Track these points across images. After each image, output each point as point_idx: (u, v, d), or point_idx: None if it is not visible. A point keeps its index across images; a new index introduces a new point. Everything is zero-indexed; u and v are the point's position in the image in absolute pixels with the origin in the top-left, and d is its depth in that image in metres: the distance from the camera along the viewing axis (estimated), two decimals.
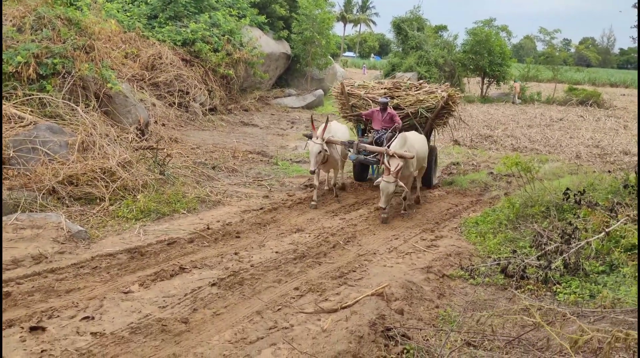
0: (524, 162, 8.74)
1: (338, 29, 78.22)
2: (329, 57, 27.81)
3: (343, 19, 78.64)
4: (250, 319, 4.77)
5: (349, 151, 9.28)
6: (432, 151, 10.55)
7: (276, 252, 6.63)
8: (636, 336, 3.45)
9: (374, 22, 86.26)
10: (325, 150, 8.81)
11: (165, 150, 10.81)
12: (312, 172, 8.76)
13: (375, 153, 9.13)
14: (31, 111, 9.48)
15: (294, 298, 5.27)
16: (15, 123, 8.87)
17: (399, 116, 9.83)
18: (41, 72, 9.99)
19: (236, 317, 4.81)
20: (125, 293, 5.19)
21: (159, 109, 14.47)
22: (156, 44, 16.69)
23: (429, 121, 10.24)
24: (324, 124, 9.06)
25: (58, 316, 4.63)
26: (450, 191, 11.07)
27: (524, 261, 6.04)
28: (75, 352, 4.05)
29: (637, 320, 4.27)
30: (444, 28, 36.30)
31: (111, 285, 5.39)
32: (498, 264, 6.24)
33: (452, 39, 33.81)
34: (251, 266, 6.11)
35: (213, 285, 5.48)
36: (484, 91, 32.96)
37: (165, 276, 5.66)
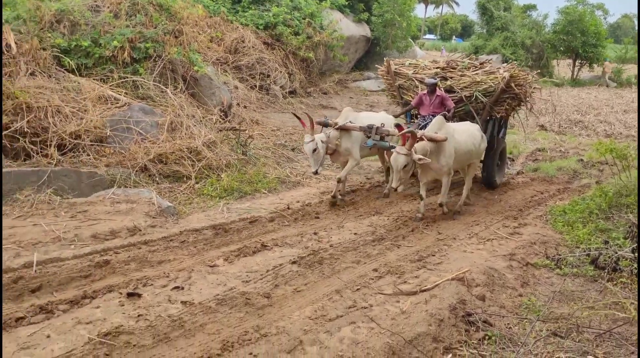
0: (619, 148, 8.20)
1: (419, 10, 76.49)
2: (409, 39, 27.29)
3: (424, 0, 76.73)
4: (329, 297, 4.85)
5: (368, 136, 7.86)
6: (494, 145, 9.15)
7: (355, 233, 6.67)
8: None
9: (456, 3, 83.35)
10: (319, 148, 7.52)
11: (247, 131, 11.12)
12: (315, 173, 7.67)
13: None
14: (125, 93, 10.05)
15: (372, 279, 5.30)
16: (112, 104, 9.44)
17: (452, 100, 8.53)
18: (135, 56, 10.55)
19: (316, 294, 4.92)
20: (211, 266, 5.43)
21: (241, 91, 14.85)
22: (239, 27, 17.08)
23: (486, 107, 8.62)
24: (309, 120, 7.57)
25: (152, 284, 4.93)
26: (535, 178, 10.62)
27: (616, 253, 5.72)
28: (168, 318, 4.31)
29: None
30: (532, 7, 34.56)
31: (198, 259, 5.66)
32: (588, 255, 5.94)
33: (542, 18, 32.19)
34: (330, 246, 6.20)
35: (293, 262, 5.61)
36: (575, 74, 31.14)
37: (248, 252, 5.87)
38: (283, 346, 3.96)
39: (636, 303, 4.38)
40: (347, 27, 22.43)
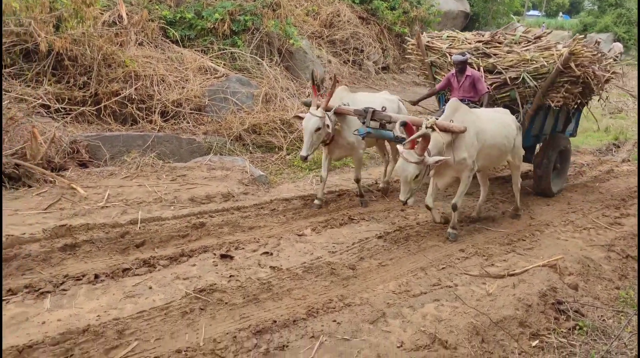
0: None
1: None
2: (511, 15, 25.96)
3: None
4: (414, 274, 4.86)
5: (363, 123, 6.18)
6: (553, 143, 7.54)
7: (442, 213, 6.59)
8: None
9: None
10: (327, 126, 5.99)
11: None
12: (304, 159, 5.99)
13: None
14: (224, 64, 10.44)
15: (459, 259, 5.24)
16: (211, 75, 9.85)
17: (494, 84, 6.90)
18: (234, 29, 10.88)
19: (400, 269, 4.94)
20: (299, 235, 5.60)
21: (334, 66, 14.89)
22: (335, 1, 17.04)
23: (537, 93, 6.79)
24: (331, 88, 6.20)
25: (243, 248, 5.18)
26: None
27: None
28: (257, 280, 4.53)
29: None
30: None
31: (287, 227, 5.85)
32: None
33: None
34: (417, 223, 6.17)
35: (379, 237, 5.66)
36: None
37: (335, 224, 5.98)
38: (366, 316, 4.04)
39: None
40: (446, 2, 21.71)
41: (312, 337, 3.73)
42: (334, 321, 3.96)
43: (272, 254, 5.11)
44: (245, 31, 11.08)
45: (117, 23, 9.57)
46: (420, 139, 4.92)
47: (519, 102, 6.92)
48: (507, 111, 6.51)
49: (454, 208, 5.80)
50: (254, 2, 11.18)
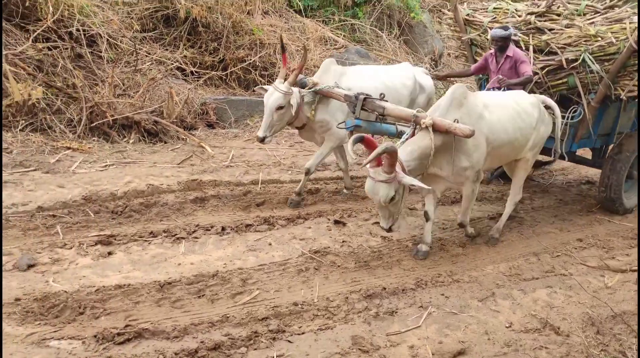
0: None
1: None
2: None
3: None
4: (526, 258, 4.79)
5: (353, 112, 4.98)
6: (629, 144, 5.86)
7: (560, 200, 6.34)
8: None
9: None
10: (292, 105, 4.95)
11: (454, 82, 10.94)
12: (260, 140, 5.01)
13: (397, 119, 4.89)
14: (344, 35, 10.58)
15: (575, 248, 5.06)
16: (331, 45, 10.05)
17: (546, 67, 5.52)
18: (355, 0, 10.96)
19: (512, 253, 4.88)
20: (410, 209, 5.69)
21: (453, 42, 14.50)
22: None
23: (603, 80, 5.26)
24: (301, 60, 5.10)
25: (355, 216, 5.37)
26: None
27: None
28: (369, 248, 4.70)
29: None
30: None
31: None
32: None
33: None
34: (532, 209, 6.01)
35: (492, 218, 5.60)
36: None
37: (447, 202, 5.99)
38: (475, 294, 4.08)
39: None
40: None
41: (420, 306, 3.86)
42: (442, 295, 4.05)
43: None
44: (367, 3, 11.11)
45: None
46: (385, 155, 3.72)
47: (580, 92, 5.46)
48: (525, 93, 5.18)
49: (462, 225, 4.95)
50: None
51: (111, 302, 3.54)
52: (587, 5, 5.82)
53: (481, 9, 6.49)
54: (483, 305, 3.95)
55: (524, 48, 5.71)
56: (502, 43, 5.47)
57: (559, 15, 5.86)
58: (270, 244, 4.62)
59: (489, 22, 6.07)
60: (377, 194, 3.88)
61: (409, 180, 3.86)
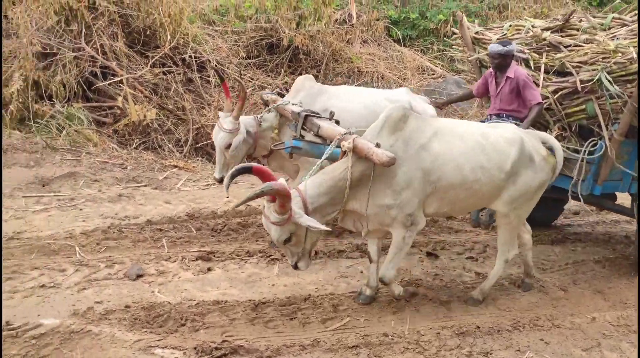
0: None
1: None
2: None
3: None
4: (637, 308, 4.44)
5: (291, 129, 4.53)
6: None
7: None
8: None
9: None
10: (246, 137, 4.60)
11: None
12: (219, 181, 4.62)
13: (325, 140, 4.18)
14: (442, 65, 10.52)
15: None
16: (429, 75, 10.02)
17: (559, 91, 4.67)
18: (455, 30, 10.87)
19: (620, 301, 4.55)
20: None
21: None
22: (569, 3, 15.88)
23: (627, 105, 4.35)
24: (241, 91, 4.64)
25: (448, 249, 5.27)
26: None
27: None
28: (462, 283, 4.58)
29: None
30: None
31: (493, 235, 5.75)
32: None
33: None
34: None
35: (597, 262, 5.26)
36: None
37: (547, 241, 5.72)
38: (578, 342, 3.84)
39: None
40: None
41: (517, 350, 3.68)
42: (541, 340, 3.83)
43: (477, 260, 5.10)
44: None
45: (347, 21, 10.27)
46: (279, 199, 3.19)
47: (600, 121, 4.51)
48: (511, 125, 4.25)
49: (383, 282, 3.93)
50: (480, 3, 11.02)
51: (209, 317, 3.70)
52: (613, 18, 5.07)
53: (496, 27, 5.78)
54: (588, 355, 3.70)
55: (532, 68, 4.98)
56: (499, 61, 4.71)
57: (575, 31, 5.07)
58: (361, 271, 4.63)
59: (498, 39, 5.24)
60: (270, 233, 3.43)
61: (305, 221, 3.26)
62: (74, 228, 4.87)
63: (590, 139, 4.60)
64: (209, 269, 4.40)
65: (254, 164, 3.39)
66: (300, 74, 9.28)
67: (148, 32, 7.88)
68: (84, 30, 7.36)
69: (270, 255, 4.72)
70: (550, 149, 4.14)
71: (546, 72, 4.89)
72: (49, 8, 7.08)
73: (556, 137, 4.59)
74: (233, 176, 3.19)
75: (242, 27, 9.05)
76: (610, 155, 4.49)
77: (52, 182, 5.87)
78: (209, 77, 8.09)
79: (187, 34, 7.94)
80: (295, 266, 3.63)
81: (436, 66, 10.44)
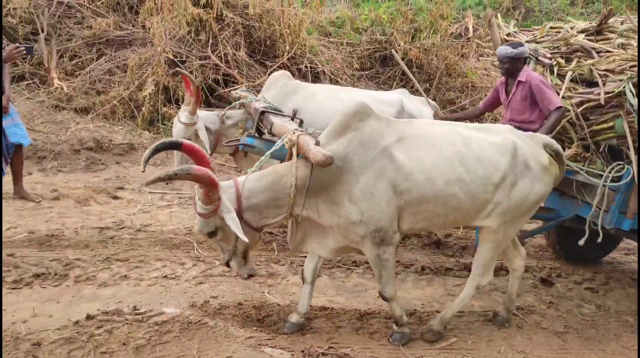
0: None
1: None
2: None
3: None
4: None
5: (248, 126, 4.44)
6: None
7: None
8: None
9: None
10: (198, 136, 4.44)
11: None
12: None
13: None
14: None
15: None
16: None
17: (584, 104, 4.11)
18: None
19: None
20: (631, 279, 5.06)
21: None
22: None
23: None
24: (194, 87, 4.35)
25: (565, 277, 4.96)
26: None
27: None
28: (580, 315, 4.28)
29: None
30: None
31: (618, 267, 5.35)
32: None
33: None
34: None
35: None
36: None
37: None
38: None
39: None
40: None
41: None
42: None
43: (597, 292, 4.75)
44: None
45: (463, 35, 10.06)
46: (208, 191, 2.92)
47: (629, 142, 3.89)
48: (504, 127, 3.65)
49: (383, 297, 3.53)
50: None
51: (316, 322, 3.76)
52: None
53: (536, 28, 5.14)
54: None
55: (555, 74, 4.40)
56: (509, 65, 4.23)
57: (611, 33, 4.41)
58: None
59: (526, 40, 4.70)
60: (199, 224, 3.12)
61: (228, 220, 2.94)
62: (192, 225, 5.18)
63: (615, 163, 3.98)
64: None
65: (184, 141, 3.10)
66: (412, 86, 9.21)
67: (268, 42, 8.24)
68: (210, 40, 7.85)
69: None
70: (557, 154, 3.60)
71: (574, 81, 4.32)
72: (182, 19, 7.63)
73: (573, 157, 4.17)
74: (157, 150, 2.92)
75: (357, 39, 9.18)
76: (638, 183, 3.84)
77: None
78: None
79: (304, 45, 8.19)
80: (227, 264, 3.35)
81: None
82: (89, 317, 3.45)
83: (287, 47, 7.94)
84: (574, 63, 4.35)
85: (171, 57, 7.63)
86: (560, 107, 4.04)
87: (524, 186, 3.38)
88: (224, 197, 3.00)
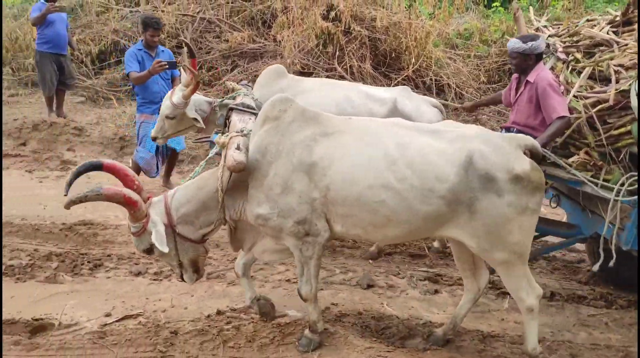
0: None
1: None
2: None
3: None
4: None
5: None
6: None
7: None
8: None
9: None
10: (183, 119, 4.44)
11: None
12: (154, 139, 4.70)
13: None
14: None
15: None
16: None
17: (597, 106, 3.65)
18: None
19: None
20: None
21: None
22: None
23: None
24: (190, 73, 4.29)
25: None
26: None
27: None
28: None
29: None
30: None
31: None
32: None
33: None
34: None
35: None
36: None
37: None
38: None
39: None
40: None
41: None
42: None
43: None
44: None
45: None
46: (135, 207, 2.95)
47: None
48: (469, 129, 3.21)
49: (300, 295, 3.33)
50: None
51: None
52: None
53: (576, 21, 4.61)
54: None
55: (570, 71, 3.99)
56: (518, 61, 3.83)
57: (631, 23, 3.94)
58: (606, 324, 4.13)
59: (549, 35, 4.31)
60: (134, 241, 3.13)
61: (153, 233, 2.93)
62: None
63: (629, 174, 3.43)
64: (436, 291, 4.39)
65: (105, 160, 3.05)
66: None
67: (393, 55, 8.26)
68: (337, 52, 8.05)
69: (500, 288, 4.51)
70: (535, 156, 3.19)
71: (594, 78, 3.89)
72: (311, 32, 7.91)
73: (582, 165, 3.64)
74: (78, 173, 2.90)
75: (485, 51, 8.90)
76: None
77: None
78: (447, 99, 8.11)
79: (429, 58, 8.11)
80: (182, 279, 3.35)
81: None
82: (219, 313, 3.68)
83: (413, 60, 7.90)
84: (596, 58, 3.92)
85: (299, 68, 7.92)
86: (564, 117, 3.65)
87: (489, 202, 2.94)
88: (152, 213, 3.02)
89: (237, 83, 4.94)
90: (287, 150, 3.03)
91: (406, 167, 2.95)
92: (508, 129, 4.02)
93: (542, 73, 3.82)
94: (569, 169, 3.52)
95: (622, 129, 3.63)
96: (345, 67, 8.01)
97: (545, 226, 4.03)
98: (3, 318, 3.47)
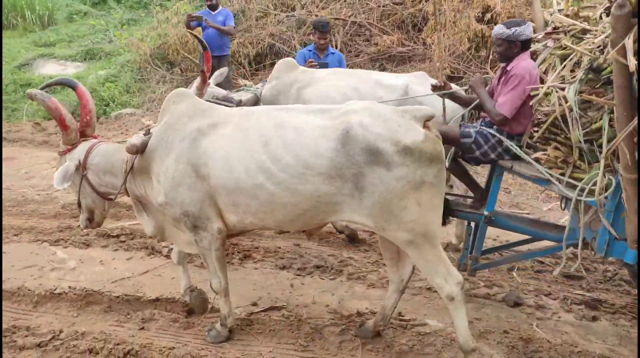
0: None
1: None
2: None
3: None
4: None
5: None
6: None
7: None
8: None
9: None
10: None
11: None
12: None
13: None
14: None
15: None
16: None
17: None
18: None
19: None
20: None
21: None
22: None
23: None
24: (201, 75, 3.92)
25: None
26: None
27: None
28: None
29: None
30: None
31: None
32: None
33: None
34: None
35: None
36: None
37: None
38: None
39: None
40: None
41: None
42: None
43: None
44: None
45: None
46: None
47: (603, 145, 2.99)
48: (363, 105, 2.95)
49: (211, 287, 3.36)
50: None
51: None
52: None
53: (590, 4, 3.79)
54: None
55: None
56: (502, 48, 3.58)
57: None
58: None
59: (555, 21, 3.75)
60: None
61: (60, 167, 3.25)
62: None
63: (594, 172, 3.04)
64: (594, 318, 3.97)
65: (81, 85, 3.46)
66: None
67: None
68: (490, 56, 7.69)
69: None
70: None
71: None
72: (464, 36, 7.64)
73: (553, 161, 3.32)
74: (56, 83, 3.68)
75: None
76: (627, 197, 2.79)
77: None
78: None
79: None
80: (85, 226, 3.58)
81: None
82: (359, 314, 3.70)
83: None
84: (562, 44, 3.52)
85: (448, 72, 7.70)
86: (502, 115, 3.49)
87: (378, 176, 2.74)
88: (78, 149, 3.36)
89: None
90: (174, 142, 3.11)
91: (281, 147, 2.89)
92: (483, 119, 3.88)
93: (522, 62, 3.54)
94: (535, 166, 3.33)
95: (600, 123, 3.11)
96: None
97: (534, 228, 3.79)
98: (166, 296, 3.82)
